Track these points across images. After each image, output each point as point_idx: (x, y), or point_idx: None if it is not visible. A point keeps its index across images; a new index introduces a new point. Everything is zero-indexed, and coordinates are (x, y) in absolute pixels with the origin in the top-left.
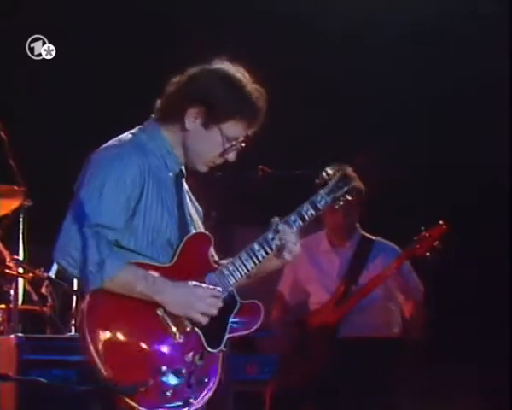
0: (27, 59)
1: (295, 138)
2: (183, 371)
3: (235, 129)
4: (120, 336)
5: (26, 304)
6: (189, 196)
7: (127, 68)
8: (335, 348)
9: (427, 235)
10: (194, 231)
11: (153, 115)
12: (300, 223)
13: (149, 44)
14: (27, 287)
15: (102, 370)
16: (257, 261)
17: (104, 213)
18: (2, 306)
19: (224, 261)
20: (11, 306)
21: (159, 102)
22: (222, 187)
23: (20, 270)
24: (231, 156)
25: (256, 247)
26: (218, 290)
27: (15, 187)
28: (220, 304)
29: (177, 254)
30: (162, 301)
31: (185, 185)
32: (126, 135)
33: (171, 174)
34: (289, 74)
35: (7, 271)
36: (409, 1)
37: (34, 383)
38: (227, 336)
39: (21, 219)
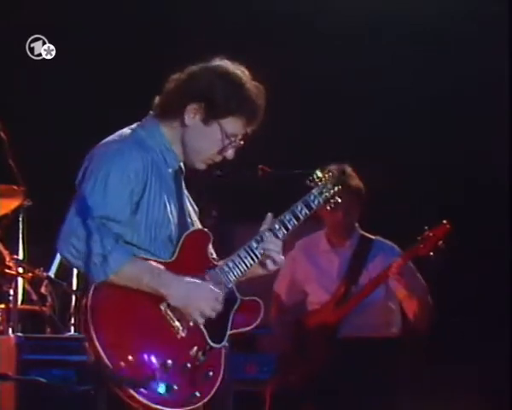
0: (27, 59)
1: (295, 138)
2: (189, 365)
3: (235, 126)
4: (126, 330)
5: (26, 304)
6: (186, 194)
7: (127, 68)
8: (335, 348)
9: (430, 234)
10: (193, 228)
11: (151, 112)
12: (295, 222)
13: (149, 44)
14: (27, 287)
15: (108, 364)
16: (255, 258)
17: (109, 206)
18: (2, 305)
19: (220, 262)
20: (11, 305)
21: (157, 98)
22: (221, 186)
23: (20, 270)
24: (229, 154)
25: (254, 244)
26: (221, 294)
27: (15, 187)
28: (220, 307)
29: (178, 250)
30: (167, 294)
31: (183, 182)
32: (126, 130)
33: (170, 171)
34: (289, 74)
35: (6, 270)
36: (409, 1)
37: (34, 382)
38: (229, 331)
39: (21, 219)
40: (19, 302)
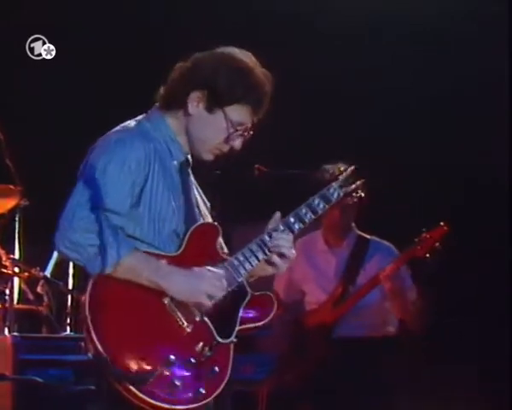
0: (27, 59)
1: (295, 138)
2: (193, 361)
3: (240, 113)
4: (126, 325)
5: (22, 303)
6: (197, 188)
7: (127, 68)
8: (333, 348)
9: (427, 236)
10: (200, 221)
11: (157, 103)
12: (311, 216)
13: (149, 44)
14: (23, 286)
15: (108, 360)
16: (268, 252)
17: (108, 197)
18: None
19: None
20: (7, 305)
21: (162, 88)
22: (220, 185)
23: (16, 269)
24: (237, 144)
25: (267, 238)
26: (224, 274)
27: (11, 187)
28: (225, 286)
29: (184, 243)
30: (167, 287)
31: (192, 176)
32: (130, 122)
33: (175, 163)
34: (289, 74)
35: (3, 270)
36: (409, 1)
37: (30, 382)
38: (238, 327)
39: (17, 219)
40: (15, 302)
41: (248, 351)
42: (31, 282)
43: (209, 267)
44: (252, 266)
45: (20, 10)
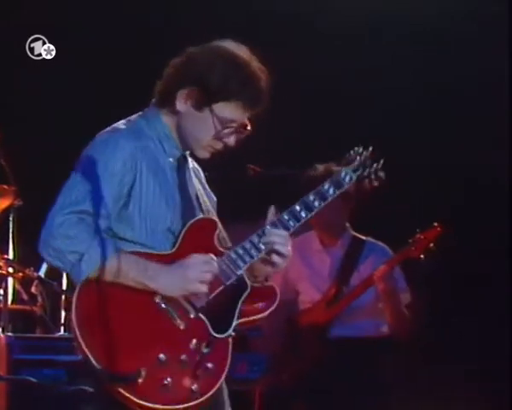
0: (27, 59)
1: (295, 138)
2: (186, 359)
3: (230, 111)
4: (111, 326)
5: (16, 303)
6: (202, 183)
7: (127, 68)
8: (326, 348)
9: (422, 237)
10: (196, 217)
11: (153, 100)
12: (321, 203)
13: (149, 44)
14: (17, 286)
15: (94, 362)
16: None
17: (91, 200)
18: None
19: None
20: (1, 305)
21: (157, 84)
22: (213, 185)
23: (10, 269)
24: (230, 141)
25: (270, 228)
26: (210, 256)
27: (5, 186)
28: (215, 267)
29: (179, 241)
30: (156, 287)
31: (192, 172)
32: (121, 121)
33: (171, 159)
34: (289, 74)
35: None
36: (409, 1)
37: (25, 382)
38: (236, 321)
39: (11, 219)
40: (9, 302)
41: (242, 350)
42: (25, 282)
43: (195, 254)
44: (252, 257)
45: (20, 10)
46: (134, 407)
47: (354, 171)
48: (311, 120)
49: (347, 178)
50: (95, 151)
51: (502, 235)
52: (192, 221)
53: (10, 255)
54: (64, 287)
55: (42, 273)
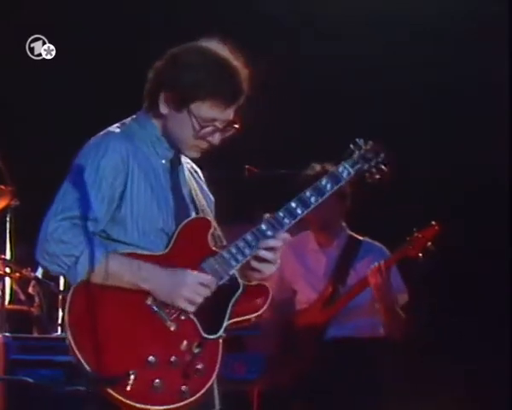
0: (27, 59)
1: (295, 138)
2: (176, 360)
3: (207, 109)
4: (103, 328)
5: (14, 304)
6: (198, 183)
7: (127, 68)
8: (323, 349)
9: (419, 236)
10: (190, 217)
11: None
12: (317, 199)
13: (149, 44)
14: (14, 287)
15: (85, 364)
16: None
17: (84, 204)
18: None
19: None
20: None
21: (145, 88)
22: (210, 186)
23: (7, 270)
24: (214, 139)
25: (264, 226)
26: (209, 278)
27: (2, 187)
28: (208, 292)
29: (172, 241)
30: (149, 288)
31: (188, 172)
32: (115, 125)
33: (163, 161)
34: (289, 74)
35: None
36: (409, 1)
37: (22, 383)
38: (227, 321)
39: (8, 219)
40: (6, 302)
41: (239, 350)
42: (22, 282)
43: (192, 272)
44: (245, 256)
45: (20, 10)
46: (125, 408)
47: (352, 165)
48: (311, 120)
49: (345, 173)
50: (88, 155)
51: (502, 235)
52: (185, 221)
53: (7, 255)
54: (61, 287)
55: (39, 274)
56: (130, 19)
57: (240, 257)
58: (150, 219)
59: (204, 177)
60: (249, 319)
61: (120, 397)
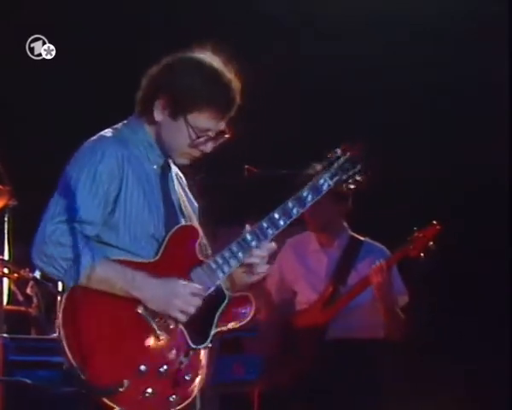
0: (27, 59)
1: (295, 138)
2: (166, 369)
3: (204, 120)
4: (97, 335)
5: (12, 304)
6: (184, 190)
7: (127, 68)
8: (324, 349)
9: (420, 235)
10: (179, 225)
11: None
12: (299, 210)
13: (149, 44)
14: (12, 287)
15: (79, 371)
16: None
17: (81, 208)
18: None
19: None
20: None
21: (137, 94)
22: (206, 187)
23: (5, 270)
24: (207, 148)
25: (249, 237)
26: (200, 288)
27: (0, 187)
28: (200, 303)
29: (162, 248)
30: (141, 297)
31: (176, 178)
32: (108, 130)
33: (155, 167)
34: (289, 74)
35: None
36: (409, 1)
37: (19, 384)
38: (214, 331)
39: (6, 219)
40: (4, 303)
41: (238, 352)
42: (20, 283)
43: (184, 282)
44: (232, 267)
45: (20, 10)
46: None
47: (331, 177)
48: (311, 119)
49: (325, 186)
50: (82, 159)
51: (502, 235)
52: (174, 229)
53: (5, 256)
54: (59, 288)
55: (37, 274)
56: (130, 19)
57: (226, 268)
58: (142, 225)
59: (203, 178)
60: (232, 329)
61: (113, 405)
